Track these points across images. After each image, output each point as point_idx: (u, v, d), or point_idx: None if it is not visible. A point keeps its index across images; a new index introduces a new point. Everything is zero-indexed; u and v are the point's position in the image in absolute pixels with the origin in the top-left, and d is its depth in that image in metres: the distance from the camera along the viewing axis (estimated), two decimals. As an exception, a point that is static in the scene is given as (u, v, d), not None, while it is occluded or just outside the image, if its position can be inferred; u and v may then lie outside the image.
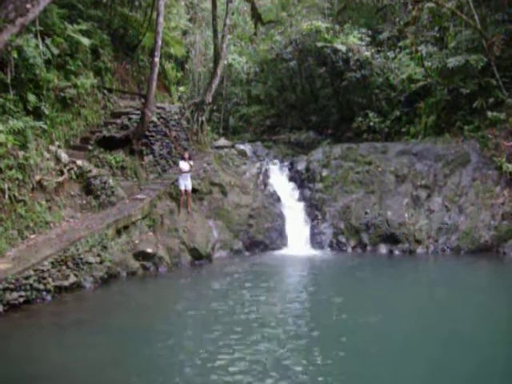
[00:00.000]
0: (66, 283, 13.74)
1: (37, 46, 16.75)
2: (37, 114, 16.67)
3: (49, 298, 13.14)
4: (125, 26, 24.13)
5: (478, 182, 20.87)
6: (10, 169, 14.46)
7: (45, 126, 16.62)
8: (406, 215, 20.57)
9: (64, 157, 17.14)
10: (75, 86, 18.65)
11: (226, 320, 11.76)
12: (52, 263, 13.56)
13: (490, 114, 21.82)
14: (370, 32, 30.25)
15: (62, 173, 16.77)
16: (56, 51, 17.87)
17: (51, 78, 17.49)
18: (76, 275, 14.15)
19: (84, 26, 19.48)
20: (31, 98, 16.49)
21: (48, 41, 17.63)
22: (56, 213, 15.98)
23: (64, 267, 13.92)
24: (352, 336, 10.93)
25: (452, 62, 22.76)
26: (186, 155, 19.68)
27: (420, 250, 19.93)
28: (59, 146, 17.45)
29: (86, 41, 19.15)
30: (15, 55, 15.66)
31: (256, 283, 15.32)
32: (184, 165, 19.12)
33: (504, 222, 19.67)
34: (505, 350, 10.01)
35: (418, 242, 20.04)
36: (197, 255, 18.04)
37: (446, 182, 21.17)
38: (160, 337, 10.81)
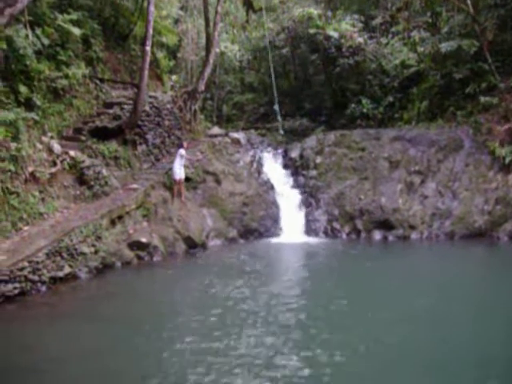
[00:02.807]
0: (60, 274, 13.74)
1: (27, 36, 16.66)
2: (28, 105, 16.58)
3: (44, 289, 13.13)
4: (116, 15, 23.98)
5: (471, 167, 20.90)
6: (3, 160, 14.41)
7: (37, 117, 16.57)
8: (400, 201, 20.63)
9: (57, 148, 17.08)
10: (67, 76, 18.56)
11: (219, 308, 11.76)
12: (46, 254, 13.53)
13: (482, 98, 21.80)
14: (362, 18, 30.14)
15: (54, 164, 16.71)
16: (46, 41, 17.76)
17: (42, 69, 17.38)
18: (71, 266, 14.17)
19: (74, 16, 19.32)
20: (22, 89, 16.40)
21: (38, 31, 17.50)
22: (49, 204, 15.91)
23: (58, 258, 13.91)
24: (352, 325, 10.96)
25: (445, 47, 22.74)
26: (185, 144, 19.85)
27: (414, 235, 20.01)
28: (52, 137, 17.38)
29: (76, 30, 19.04)
30: (5, 46, 15.57)
31: (251, 271, 15.34)
32: (185, 153, 19.18)
33: (497, 206, 19.71)
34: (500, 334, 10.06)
35: (412, 227, 20.11)
36: (191, 244, 18.07)
37: (439, 167, 21.20)
38: (153, 326, 10.82)
